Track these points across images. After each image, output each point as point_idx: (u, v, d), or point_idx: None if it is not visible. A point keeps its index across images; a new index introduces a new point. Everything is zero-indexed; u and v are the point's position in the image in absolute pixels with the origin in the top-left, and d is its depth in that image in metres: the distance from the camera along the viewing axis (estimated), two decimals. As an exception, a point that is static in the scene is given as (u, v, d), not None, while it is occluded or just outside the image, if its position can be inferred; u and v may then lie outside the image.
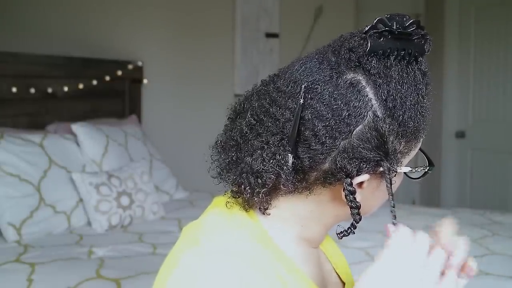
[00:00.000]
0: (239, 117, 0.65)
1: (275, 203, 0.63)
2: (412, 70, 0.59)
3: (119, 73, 2.96)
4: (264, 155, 0.58)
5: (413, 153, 0.63)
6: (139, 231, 2.19)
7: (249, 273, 0.55)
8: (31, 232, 2.01)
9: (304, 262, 0.65)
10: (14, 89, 2.43)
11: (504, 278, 1.67)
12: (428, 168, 0.65)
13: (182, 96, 3.42)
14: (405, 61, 0.59)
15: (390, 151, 0.58)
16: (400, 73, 0.58)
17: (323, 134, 0.57)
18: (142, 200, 2.34)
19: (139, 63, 3.12)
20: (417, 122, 0.60)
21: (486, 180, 3.71)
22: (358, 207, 0.59)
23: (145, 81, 3.16)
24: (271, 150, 0.58)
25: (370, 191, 0.61)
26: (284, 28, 3.80)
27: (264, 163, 0.58)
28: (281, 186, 0.59)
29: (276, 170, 0.58)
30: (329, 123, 0.57)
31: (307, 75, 0.59)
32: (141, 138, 2.75)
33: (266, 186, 0.59)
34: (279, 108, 0.59)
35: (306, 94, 0.57)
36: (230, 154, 0.63)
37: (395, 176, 0.60)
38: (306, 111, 0.57)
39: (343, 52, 0.59)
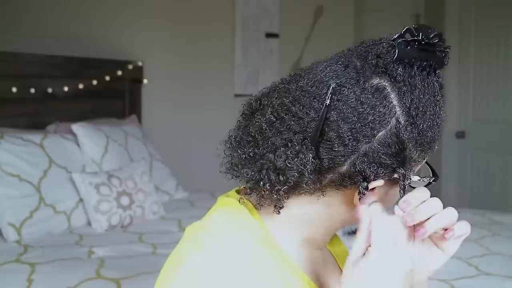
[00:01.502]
0: (256, 114, 0.64)
1: (285, 203, 0.63)
2: (432, 82, 0.61)
3: (119, 73, 2.96)
4: (288, 153, 0.58)
5: (422, 163, 0.65)
6: (139, 231, 2.19)
7: (253, 275, 0.55)
8: (31, 232, 2.01)
9: (307, 264, 0.65)
10: (14, 89, 2.43)
11: (504, 278, 1.67)
12: (433, 179, 0.66)
13: (182, 96, 3.42)
14: (425, 72, 0.60)
15: (407, 158, 0.59)
16: (423, 83, 0.60)
17: (347, 136, 0.57)
18: (142, 200, 2.34)
19: (139, 63, 3.12)
20: (434, 133, 0.61)
21: (486, 180, 3.71)
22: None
23: (145, 81, 3.16)
24: (295, 149, 0.58)
25: (379, 197, 0.61)
26: (284, 28, 3.80)
27: (288, 161, 0.58)
28: (303, 185, 0.59)
29: (300, 168, 0.58)
30: (354, 126, 0.57)
31: (333, 76, 0.59)
32: (141, 138, 2.75)
33: (288, 184, 0.59)
34: (303, 107, 0.59)
35: (333, 96, 0.58)
36: (246, 150, 0.63)
37: (409, 184, 0.61)
38: (332, 112, 0.58)
39: (370, 58, 0.60)
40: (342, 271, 0.74)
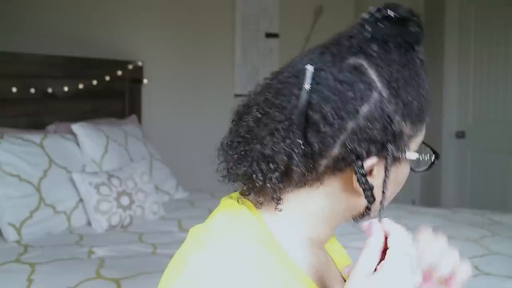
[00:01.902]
0: (244, 116, 0.65)
1: (285, 198, 0.63)
2: (411, 57, 0.62)
3: (119, 73, 2.96)
4: (274, 140, 0.59)
5: (418, 139, 0.64)
6: (139, 231, 2.19)
7: (255, 278, 0.55)
8: (31, 232, 2.01)
9: (310, 265, 0.65)
10: (14, 89, 2.44)
11: (504, 278, 1.67)
12: (434, 157, 0.66)
13: (182, 96, 3.42)
14: (403, 49, 0.61)
15: (396, 131, 0.59)
16: (401, 58, 0.61)
17: (331, 115, 0.58)
18: (142, 200, 2.34)
19: (139, 63, 3.12)
20: (420, 104, 0.62)
21: (486, 180, 3.71)
22: (371, 188, 0.59)
23: (145, 81, 3.16)
24: (281, 134, 0.59)
25: (380, 180, 0.61)
26: (284, 28, 3.80)
27: (275, 146, 0.59)
28: (294, 168, 0.59)
29: (287, 151, 0.58)
30: (336, 104, 0.58)
31: (311, 64, 0.60)
32: (141, 138, 2.75)
33: (279, 169, 0.59)
34: (285, 97, 0.60)
35: (312, 80, 0.59)
36: (238, 150, 0.63)
37: (405, 158, 0.61)
38: (313, 95, 0.58)
39: (343, 40, 0.61)
40: (340, 272, 0.74)
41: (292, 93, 0.60)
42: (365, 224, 0.59)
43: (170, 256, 1.97)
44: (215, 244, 0.59)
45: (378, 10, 0.60)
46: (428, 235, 0.63)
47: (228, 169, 0.65)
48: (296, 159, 0.58)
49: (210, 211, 2.70)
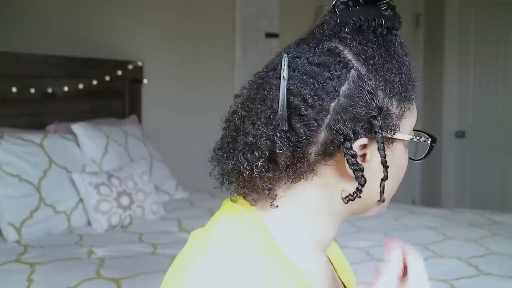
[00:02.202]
0: (230, 118, 0.66)
1: (282, 194, 0.62)
2: (389, 40, 0.62)
3: (119, 73, 2.96)
4: (255, 127, 0.59)
5: (410, 121, 0.64)
6: (139, 231, 2.19)
7: (258, 284, 0.55)
8: (31, 232, 2.01)
9: (312, 271, 0.64)
10: (14, 89, 2.43)
11: (504, 278, 1.67)
12: (430, 140, 0.65)
13: (182, 96, 3.42)
14: (378, 32, 0.61)
15: (382, 107, 0.59)
16: (377, 40, 0.61)
17: (310, 97, 0.58)
18: (142, 200, 2.34)
19: (139, 63, 3.12)
20: (403, 80, 0.61)
21: (486, 180, 3.71)
22: (362, 170, 0.58)
23: (145, 81, 3.16)
24: (262, 122, 0.59)
25: (376, 165, 0.60)
26: (284, 28, 3.80)
27: (255, 132, 0.59)
28: (277, 152, 0.58)
29: (268, 133, 0.58)
30: (314, 86, 0.58)
31: (286, 55, 0.61)
32: (141, 138, 2.75)
33: (263, 156, 0.59)
34: (265, 90, 0.61)
35: (288, 68, 0.59)
36: (227, 149, 0.64)
37: (396, 139, 0.61)
38: (291, 81, 0.59)
39: (316, 29, 0.62)
40: (339, 276, 0.74)
41: (271, 84, 0.60)
42: (386, 240, 0.59)
43: (170, 256, 1.97)
44: (218, 250, 0.58)
45: None
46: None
47: (224, 176, 0.65)
48: (279, 142, 0.58)
49: (210, 211, 2.69)
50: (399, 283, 0.57)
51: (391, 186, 0.64)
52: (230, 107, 0.68)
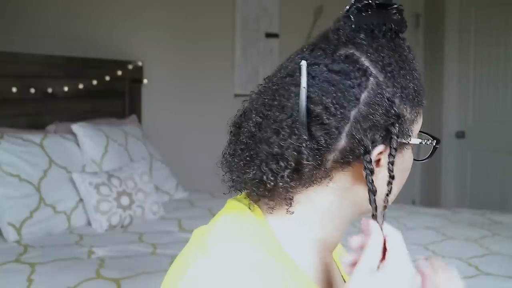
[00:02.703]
0: (243, 124, 0.65)
1: (294, 199, 0.62)
2: (398, 44, 0.63)
3: (119, 73, 2.96)
4: (281, 137, 0.59)
5: (418, 125, 0.65)
6: (139, 231, 2.19)
7: (259, 283, 0.55)
8: (31, 232, 2.01)
9: (317, 271, 0.64)
10: (14, 89, 2.43)
11: (504, 278, 1.67)
12: (435, 142, 0.66)
13: (182, 96, 3.42)
14: (388, 36, 0.62)
15: (400, 114, 0.59)
16: (389, 45, 0.62)
17: (332, 105, 0.58)
18: (142, 200, 2.34)
19: (139, 63, 3.12)
20: (416, 86, 0.62)
21: (486, 180, 3.71)
22: (374, 193, 0.59)
23: (145, 81, 3.16)
24: (286, 131, 0.58)
25: (387, 171, 0.60)
26: (284, 28, 3.80)
27: (282, 143, 0.58)
28: (304, 163, 0.58)
29: (296, 145, 0.58)
30: (336, 94, 0.58)
31: (305, 62, 0.60)
32: (141, 138, 2.75)
33: (289, 166, 0.58)
34: (283, 97, 0.60)
35: (307, 75, 0.59)
36: (243, 157, 0.62)
37: (408, 144, 0.62)
38: (311, 89, 0.58)
39: (331, 35, 0.62)
40: (342, 276, 0.73)
41: (290, 91, 0.60)
42: (363, 220, 0.59)
43: (170, 256, 1.97)
44: (219, 249, 0.58)
45: (359, 0, 0.61)
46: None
47: (233, 179, 0.64)
48: (306, 152, 0.58)
49: (210, 211, 2.69)
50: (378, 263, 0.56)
51: (397, 188, 0.65)
52: (238, 111, 0.67)
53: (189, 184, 3.02)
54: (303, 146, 0.58)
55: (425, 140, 0.65)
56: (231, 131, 0.67)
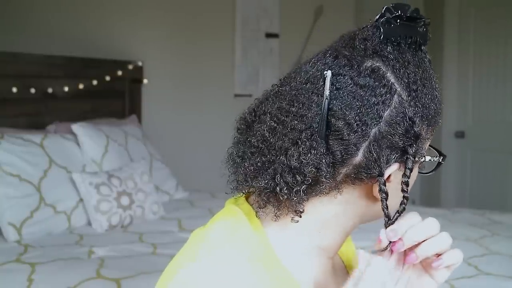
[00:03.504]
0: (255, 124, 0.63)
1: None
2: (421, 57, 0.61)
3: (119, 73, 2.96)
4: (300, 150, 0.56)
5: (428, 142, 0.64)
6: (139, 231, 2.19)
7: None
8: (31, 232, 2.01)
9: (312, 279, 0.63)
10: (14, 89, 2.43)
11: (504, 278, 1.67)
12: (442, 158, 0.66)
13: (182, 96, 3.42)
14: (412, 49, 0.61)
15: (418, 135, 0.58)
16: (414, 58, 0.60)
17: (355, 121, 0.56)
18: (142, 200, 2.34)
19: (139, 63, 3.13)
20: (436, 105, 0.61)
21: (486, 180, 3.71)
22: (389, 217, 0.59)
23: (145, 81, 3.16)
24: (306, 145, 0.56)
25: (395, 185, 0.60)
26: (284, 28, 3.80)
27: (302, 157, 0.56)
28: (322, 180, 0.57)
29: (315, 162, 0.56)
30: (360, 110, 0.56)
31: (326, 69, 0.59)
32: (141, 138, 2.75)
33: (306, 182, 0.57)
34: (303, 105, 0.58)
35: (331, 86, 0.57)
36: (253, 161, 0.60)
37: (423, 161, 0.61)
38: (334, 102, 0.57)
39: (357, 44, 0.60)
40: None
41: (311, 100, 0.58)
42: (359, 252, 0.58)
43: (170, 256, 1.96)
44: (207, 256, 0.58)
45: (390, 11, 0.59)
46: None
47: (238, 181, 0.63)
48: (325, 170, 0.56)
49: (210, 211, 2.68)
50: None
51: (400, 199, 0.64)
52: (248, 108, 0.66)
53: (189, 184, 3.02)
54: (323, 163, 0.56)
55: (434, 157, 0.65)
56: (238, 129, 0.65)
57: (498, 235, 2.11)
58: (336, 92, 0.57)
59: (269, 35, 3.76)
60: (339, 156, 0.57)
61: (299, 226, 0.61)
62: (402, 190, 0.59)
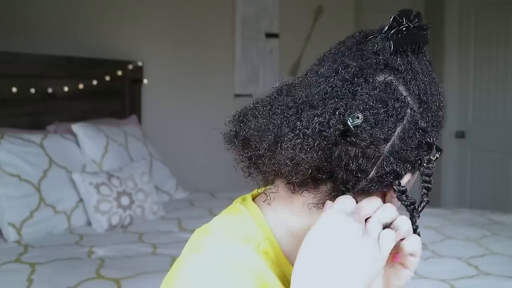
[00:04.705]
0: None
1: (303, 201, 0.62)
2: (423, 61, 0.62)
3: (119, 73, 2.96)
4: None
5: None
6: (139, 231, 2.19)
7: (246, 283, 0.55)
8: (31, 232, 2.01)
9: None
10: (14, 89, 2.43)
11: (504, 278, 1.67)
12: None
13: (182, 96, 3.42)
14: (415, 53, 0.61)
15: (431, 144, 0.60)
16: (419, 66, 0.61)
17: (369, 137, 0.56)
18: (142, 200, 2.34)
19: (139, 63, 3.12)
20: (442, 111, 0.63)
21: (486, 180, 3.71)
22: (414, 203, 0.60)
23: (145, 81, 3.16)
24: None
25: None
26: (284, 28, 3.80)
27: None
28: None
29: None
30: (372, 130, 0.56)
31: (339, 80, 0.58)
32: (141, 138, 2.75)
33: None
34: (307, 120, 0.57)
35: (343, 117, 0.56)
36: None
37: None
38: (348, 112, 0.57)
39: (366, 57, 0.59)
40: None
41: (325, 118, 0.57)
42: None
43: (170, 256, 1.97)
44: (210, 247, 0.59)
45: (395, 20, 0.60)
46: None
47: (251, 163, 0.62)
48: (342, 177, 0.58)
49: (210, 211, 2.68)
50: None
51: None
52: (258, 98, 0.66)
53: (189, 184, 3.02)
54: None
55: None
56: (253, 105, 0.65)
57: (499, 235, 2.12)
58: (353, 102, 0.57)
59: (269, 35, 3.76)
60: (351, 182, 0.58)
61: (305, 226, 0.61)
62: (423, 194, 0.61)
